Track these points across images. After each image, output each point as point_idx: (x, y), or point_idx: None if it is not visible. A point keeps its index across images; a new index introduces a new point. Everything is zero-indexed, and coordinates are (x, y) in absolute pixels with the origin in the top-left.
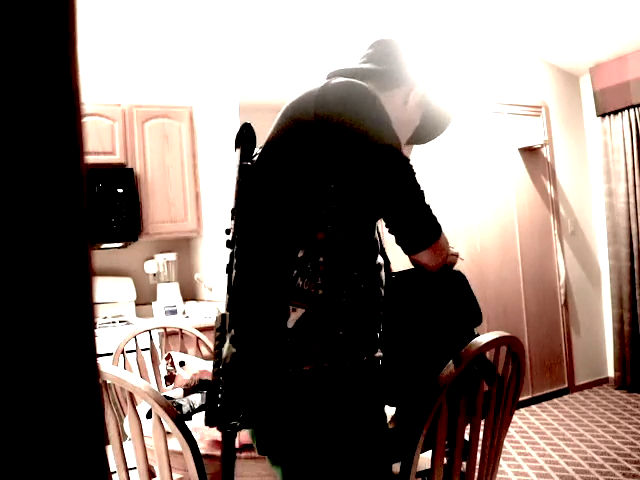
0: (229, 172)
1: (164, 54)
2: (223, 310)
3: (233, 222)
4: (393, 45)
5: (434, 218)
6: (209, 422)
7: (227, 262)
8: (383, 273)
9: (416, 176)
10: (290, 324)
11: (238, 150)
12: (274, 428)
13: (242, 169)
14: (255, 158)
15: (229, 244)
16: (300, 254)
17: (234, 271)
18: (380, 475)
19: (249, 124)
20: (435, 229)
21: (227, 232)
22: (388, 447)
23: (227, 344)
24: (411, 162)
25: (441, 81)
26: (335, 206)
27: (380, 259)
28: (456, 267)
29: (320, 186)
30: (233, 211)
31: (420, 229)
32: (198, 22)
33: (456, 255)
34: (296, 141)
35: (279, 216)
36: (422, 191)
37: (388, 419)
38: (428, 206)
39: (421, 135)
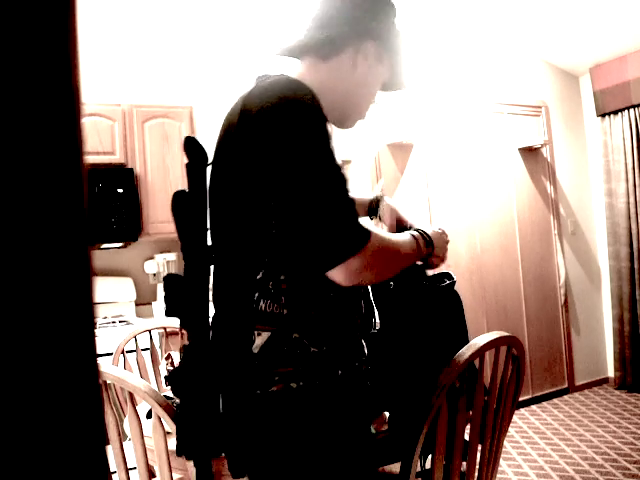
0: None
1: (164, 54)
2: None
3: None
4: (334, 2)
5: (352, 219)
6: (180, 452)
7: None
8: None
9: (336, 170)
10: (255, 350)
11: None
12: (245, 452)
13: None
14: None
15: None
16: (259, 275)
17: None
18: None
19: (192, 138)
20: (354, 235)
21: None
22: (368, 462)
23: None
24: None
25: (395, 25)
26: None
27: None
28: (456, 267)
29: (259, 202)
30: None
31: (330, 235)
32: (198, 22)
33: (441, 258)
34: (232, 156)
35: (231, 238)
36: (340, 185)
37: (385, 420)
38: (346, 203)
39: (392, 84)
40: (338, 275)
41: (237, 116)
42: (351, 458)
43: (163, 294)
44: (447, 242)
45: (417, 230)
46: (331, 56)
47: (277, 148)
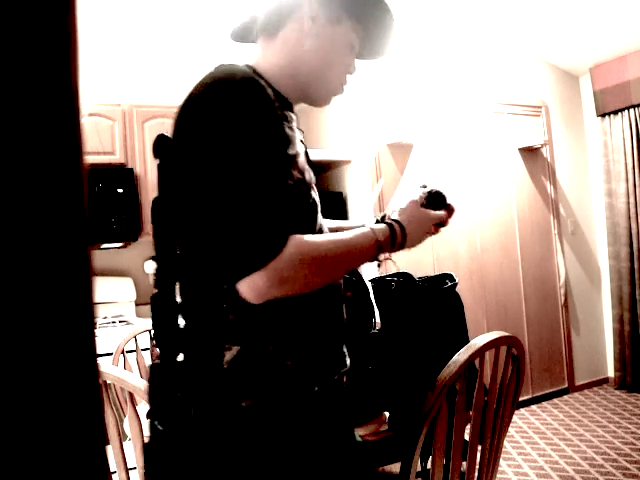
0: None
1: (164, 54)
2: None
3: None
4: None
5: (262, 225)
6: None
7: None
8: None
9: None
10: (225, 365)
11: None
12: (216, 470)
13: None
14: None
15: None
16: (226, 285)
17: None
18: None
19: (163, 136)
20: (259, 246)
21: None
22: None
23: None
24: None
25: None
26: None
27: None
28: (456, 267)
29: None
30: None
31: (232, 246)
32: (198, 22)
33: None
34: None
35: (195, 244)
36: (258, 181)
37: (385, 420)
38: (259, 203)
39: (376, 45)
40: (244, 291)
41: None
42: None
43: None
44: (435, 221)
45: (389, 222)
46: (278, 30)
47: (196, 136)
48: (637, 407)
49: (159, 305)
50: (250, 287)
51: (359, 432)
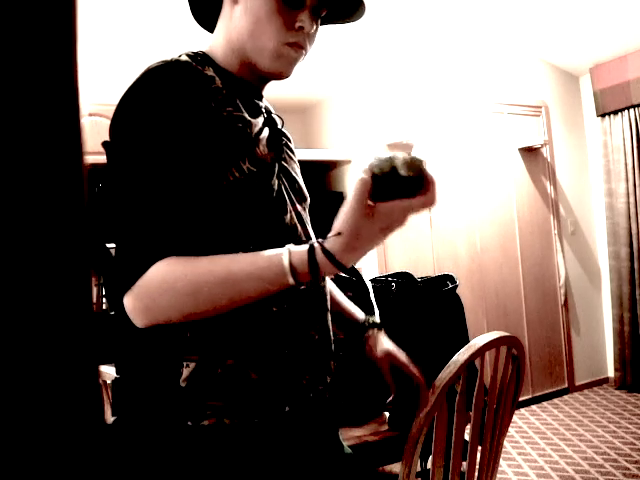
0: None
1: (164, 54)
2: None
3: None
4: None
5: (135, 242)
6: None
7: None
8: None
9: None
10: (182, 383)
11: None
12: None
13: None
14: None
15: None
16: None
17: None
18: None
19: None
20: (126, 267)
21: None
22: None
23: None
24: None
25: None
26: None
27: None
28: (456, 267)
29: None
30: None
31: (112, 265)
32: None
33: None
34: None
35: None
36: (150, 193)
37: (385, 420)
38: (141, 217)
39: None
40: (129, 303)
41: None
42: None
43: None
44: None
45: (313, 243)
46: (218, 10)
47: (113, 140)
48: (637, 407)
49: (116, 323)
50: (126, 309)
51: (359, 432)
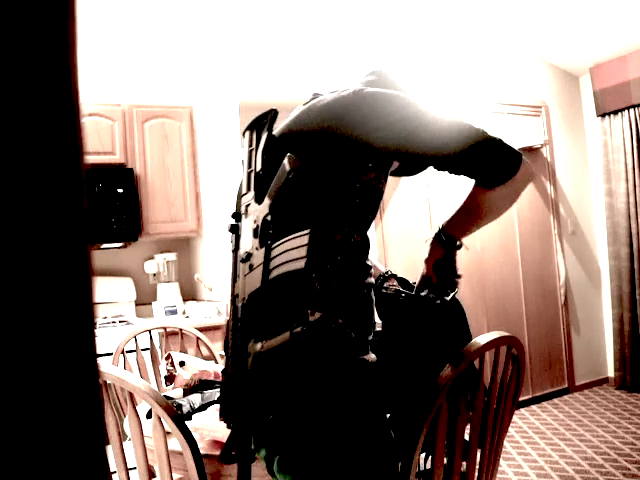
0: (229, 172)
1: (164, 54)
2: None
3: (247, 208)
4: (394, 74)
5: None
6: (223, 415)
7: (232, 248)
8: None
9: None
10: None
11: (248, 133)
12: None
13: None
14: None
15: (233, 228)
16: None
17: (249, 262)
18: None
19: (276, 110)
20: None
21: (235, 216)
22: (394, 452)
23: (251, 343)
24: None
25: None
26: (358, 202)
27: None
28: (458, 267)
29: (348, 184)
30: (240, 196)
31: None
32: (198, 22)
33: None
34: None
35: (307, 214)
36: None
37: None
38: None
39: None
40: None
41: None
42: (383, 446)
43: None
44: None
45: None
46: None
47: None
48: (637, 407)
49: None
50: (520, 175)
51: None
